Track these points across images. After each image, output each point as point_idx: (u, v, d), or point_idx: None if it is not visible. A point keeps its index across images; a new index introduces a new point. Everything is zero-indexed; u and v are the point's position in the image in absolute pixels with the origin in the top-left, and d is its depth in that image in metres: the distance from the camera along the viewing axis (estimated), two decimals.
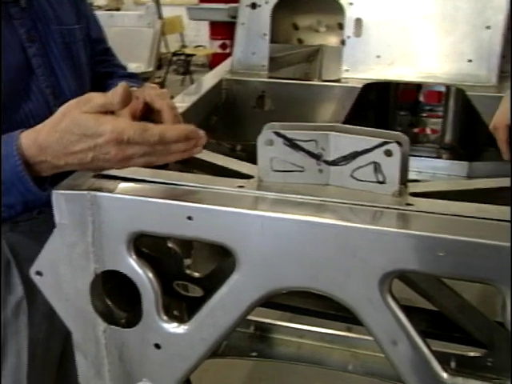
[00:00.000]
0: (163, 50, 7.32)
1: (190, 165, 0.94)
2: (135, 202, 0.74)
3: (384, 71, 1.43)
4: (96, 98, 0.71)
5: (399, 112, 1.91)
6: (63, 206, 0.76)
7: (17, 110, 0.95)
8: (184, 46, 7.50)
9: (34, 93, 0.98)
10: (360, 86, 1.39)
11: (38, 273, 0.80)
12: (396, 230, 0.64)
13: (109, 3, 7.53)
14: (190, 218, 0.72)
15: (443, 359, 0.70)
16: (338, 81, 1.44)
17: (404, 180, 0.74)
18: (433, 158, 1.72)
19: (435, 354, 0.69)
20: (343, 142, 0.73)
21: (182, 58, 7.26)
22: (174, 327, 0.79)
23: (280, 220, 0.69)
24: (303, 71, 1.98)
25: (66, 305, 0.81)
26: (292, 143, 0.75)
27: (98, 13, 4.56)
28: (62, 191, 0.75)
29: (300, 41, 1.94)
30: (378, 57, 1.44)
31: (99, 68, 1.19)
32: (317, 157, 0.75)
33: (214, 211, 0.71)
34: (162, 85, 6.76)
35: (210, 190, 0.76)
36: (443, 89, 1.72)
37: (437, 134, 1.81)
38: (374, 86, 1.44)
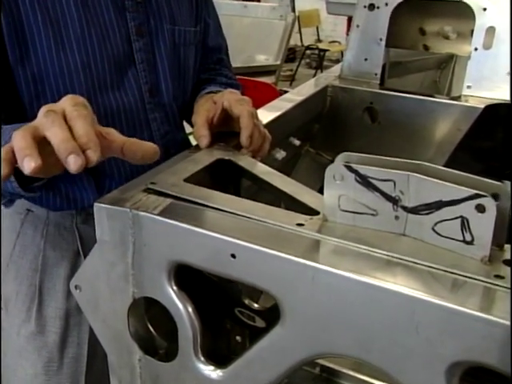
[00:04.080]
0: (298, 42, 7.28)
1: (263, 187, 0.84)
2: (176, 228, 0.65)
3: None
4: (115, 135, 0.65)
5: None
6: (104, 221, 0.69)
7: (110, 101, 0.92)
8: (319, 41, 7.40)
9: (130, 87, 0.94)
10: (482, 106, 1.21)
11: (77, 287, 0.75)
12: (472, 311, 0.51)
13: None
14: (233, 255, 0.62)
15: None
16: (457, 98, 1.27)
17: (500, 242, 0.59)
18: None
19: None
20: (426, 186, 0.60)
21: (316, 52, 7.15)
22: (209, 370, 0.70)
23: (335, 276, 0.57)
24: (432, 79, 1.81)
25: (103, 325, 0.75)
26: (366, 181, 0.63)
27: (233, 2, 4.55)
28: (104, 205, 0.69)
29: (426, 47, 1.77)
30: (509, 74, 1.25)
31: (205, 75, 1.13)
32: (393, 200, 0.63)
33: (259, 252, 0.61)
34: (292, 78, 6.72)
35: (265, 225, 0.66)
36: None
37: None
38: (498, 108, 1.25)
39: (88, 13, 0.88)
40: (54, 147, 0.58)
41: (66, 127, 0.59)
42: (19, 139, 0.57)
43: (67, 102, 0.62)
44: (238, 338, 0.88)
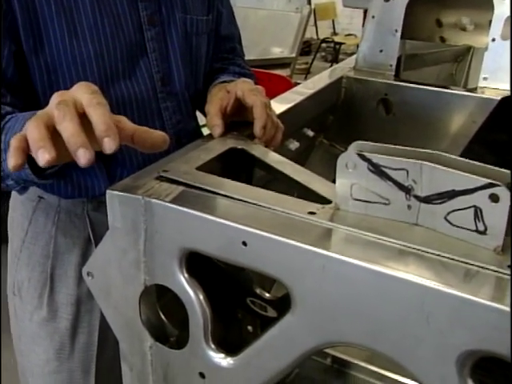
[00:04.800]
0: (313, 35, 7.24)
1: (275, 177, 0.84)
2: (188, 216, 0.65)
3: None
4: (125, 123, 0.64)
5: None
6: (116, 209, 0.69)
7: (122, 91, 0.92)
8: (335, 34, 7.36)
9: (142, 76, 0.94)
10: (498, 98, 1.20)
11: (89, 274, 0.75)
12: (484, 301, 0.50)
13: None
14: (244, 243, 0.62)
15: None
16: (473, 90, 1.26)
17: None
18: None
19: None
20: (439, 176, 0.59)
21: (332, 45, 7.11)
22: (219, 358, 0.70)
23: (346, 264, 0.57)
24: (449, 72, 1.80)
25: (115, 312, 0.76)
26: (378, 170, 0.63)
27: None
28: (117, 192, 0.69)
29: (443, 39, 1.75)
30: None
31: (218, 64, 1.13)
32: (406, 190, 0.62)
33: (270, 240, 0.60)
34: (307, 71, 6.69)
35: (276, 213, 0.66)
36: None
37: None
38: None
39: (101, 2, 0.89)
40: (65, 140, 0.58)
41: (77, 120, 0.59)
42: (33, 129, 0.58)
43: (83, 90, 0.62)
44: (249, 327, 0.88)
